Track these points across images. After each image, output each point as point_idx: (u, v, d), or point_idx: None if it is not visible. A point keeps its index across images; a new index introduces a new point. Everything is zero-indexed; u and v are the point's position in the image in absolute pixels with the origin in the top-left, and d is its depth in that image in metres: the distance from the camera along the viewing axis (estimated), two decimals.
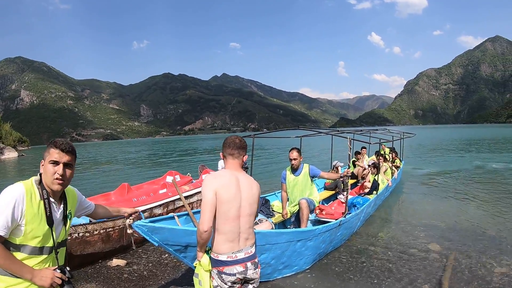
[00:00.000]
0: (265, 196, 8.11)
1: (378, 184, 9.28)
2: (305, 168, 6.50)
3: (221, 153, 2.94)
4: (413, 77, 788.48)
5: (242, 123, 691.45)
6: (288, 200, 6.76)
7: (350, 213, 6.69)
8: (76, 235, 5.52)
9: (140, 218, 3.74)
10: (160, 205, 7.52)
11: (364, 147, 13.02)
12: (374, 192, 9.02)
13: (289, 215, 6.73)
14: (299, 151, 6.46)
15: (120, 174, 22.74)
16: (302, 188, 6.51)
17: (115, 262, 6.00)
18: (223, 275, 2.65)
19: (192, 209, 8.52)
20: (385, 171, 10.93)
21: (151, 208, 7.15)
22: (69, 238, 5.37)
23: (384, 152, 13.49)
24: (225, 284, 2.65)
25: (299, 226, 6.41)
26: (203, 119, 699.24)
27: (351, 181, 10.87)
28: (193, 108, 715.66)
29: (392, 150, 14.09)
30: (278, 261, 4.97)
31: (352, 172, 11.25)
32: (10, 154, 50.05)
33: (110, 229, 6.06)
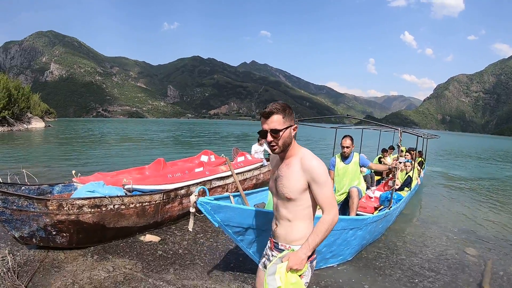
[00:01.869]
0: None
1: (411, 180, 8.93)
2: (355, 157, 6.30)
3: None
4: (444, 81, 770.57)
5: None
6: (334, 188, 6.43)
7: (385, 208, 6.60)
8: (112, 206, 5.21)
9: (205, 195, 3.47)
10: (197, 183, 7.16)
11: (393, 147, 13.08)
12: (406, 188, 8.68)
13: None
14: (352, 139, 6.16)
15: (152, 151, 22.48)
16: (352, 177, 6.30)
17: (149, 237, 5.71)
18: (314, 262, 2.42)
19: (232, 191, 8.28)
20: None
21: (188, 186, 6.77)
22: (103, 209, 5.09)
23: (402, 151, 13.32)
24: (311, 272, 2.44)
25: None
26: (229, 105, 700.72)
27: (376, 178, 10.76)
28: (220, 92, 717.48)
29: (413, 150, 13.98)
30: (328, 249, 4.79)
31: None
32: (37, 124, 50.57)
33: (146, 204, 5.74)
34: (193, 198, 3.10)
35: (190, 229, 3.19)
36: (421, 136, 7.49)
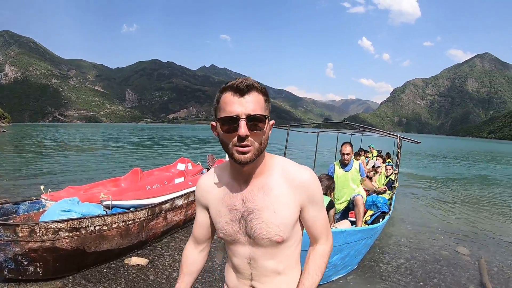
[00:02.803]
0: None
1: (394, 183, 8.50)
2: (355, 164, 6.03)
3: None
4: (400, 85, 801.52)
5: None
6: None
7: (377, 212, 6.62)
8: (92, 228, 4.51)
9: None
10: (181, 196, 6.51)
11: (368, 151, 13.25)
12: (388, 191, 8.44)
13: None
14: (352, 145, 5.88)
15: (120, 158, 20.98)
16: (353, 185, 6.05)
17: (135, 260, 5.03)
18: None
19: None
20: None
21: (173, 199, 6.14)
22: (83, 232, 4.40)
23: (372, 154, 13.81)
24: None
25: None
26: (188, 109, 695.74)
27: None
28: (179, 96, 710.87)
29: (379, 153, 14.37)
30: (342, 261, 4.57)
31: None
32: None
33: (130, 222, 5.06)
34: None
35: (219, 262, 2.56)
36: (418, 142, 7.24)
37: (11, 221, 4.88)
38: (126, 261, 5.03)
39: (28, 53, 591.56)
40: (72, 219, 4.30)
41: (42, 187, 5.75)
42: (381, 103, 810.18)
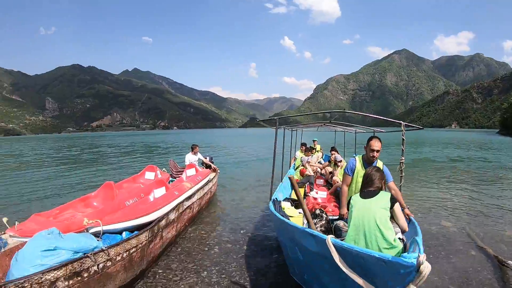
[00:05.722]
0: None
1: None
2: (379, 164, 4.89)
3: None
4: (323, 82, 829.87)
5: (152, 120, 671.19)
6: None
7: None
8: (96, 268, 3.43)
9: None
10: (173, 209, 5.60)
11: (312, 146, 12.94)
12: None
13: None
14: (381, 141, 4.83)
15: (63, 173, 17.84)
16: None
17: None
18: None
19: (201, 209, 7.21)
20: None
21: (167, 214, 5.24)
22: (85, 275, 3.32)
23: (315, 148, 13.34)
24: None
25: None
26: (112, 115, 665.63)
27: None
28: (101, 103, 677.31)
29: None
30: None
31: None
32: None
33: (133, 250, 4.07)
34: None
35: None
36: (421, 128, 6.73)
37: None
38: None
39: None
40: (71, 262, 3.21)
41: (5, 219, 4.35)
42: (305, 100, 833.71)
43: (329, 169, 10.34)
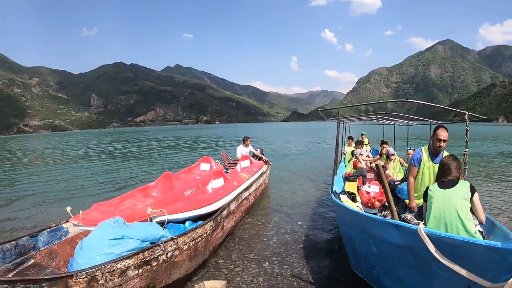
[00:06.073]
0: None
1: None
2: (446, 154, 4.43)
3: None
4: (365, 75, 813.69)
5: (195, 115, 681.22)
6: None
7: None
8: (165, 256, 3.37)
9: None
10: (234, 199, 5.61)
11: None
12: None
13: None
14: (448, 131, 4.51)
15: (115, 166, 18.36)
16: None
17: (209, 286, 3.86)
18: None
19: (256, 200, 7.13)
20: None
21: (228, 204, 5.21)
22: (154, 264, 3.25)
23: (364, 142, 12.95)
24: None
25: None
26: (155, 111, 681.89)
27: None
28: (145, 99, 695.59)
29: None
30: None
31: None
32: None
33: (198, 239, 4.02)
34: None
35: None
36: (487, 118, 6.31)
37: (32, 261, 3.66)
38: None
39: None
40: (142, 251, 3.16)
41: (68, 208, 4.38)
42: (347, 93, 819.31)
43: (380, 162, 10.07)
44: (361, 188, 7.84)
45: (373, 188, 7.77)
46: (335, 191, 5.54)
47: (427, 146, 4.73)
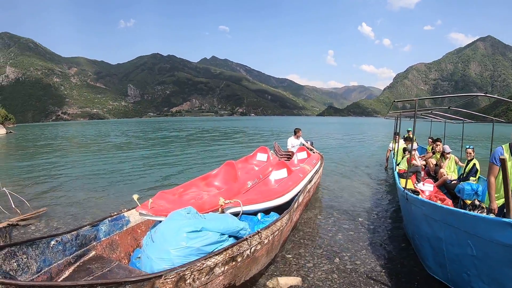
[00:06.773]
0: None
1: (477, 170, 7.61)
2: None
3: None
4: (403, 70, 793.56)
5: (230, 106, 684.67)
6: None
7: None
8: (249, 252, 3.23)
9: None
10: (302, 192, 5.49)
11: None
12: (472, 178, 7.49)
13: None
14: None
15: (164, 152, 19.18)
16: None
17: (285, 282, 3.73)
18: None
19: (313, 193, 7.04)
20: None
21: (297, 195, 5.14)
22: (239, 260, 3.11)
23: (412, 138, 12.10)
24: None
25: None
26: (191, 101, 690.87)
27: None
28: (181, 89, 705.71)
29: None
30: None
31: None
32: None
33: (276, 233, 3.84)
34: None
35: None
36: None
37: (93, 252, 3.51)
38: (270, 284, 3.77)
39: (28, 53, 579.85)
40: (231, 246, 2.99)
41: (135, 196, 4.25)
42: (384, 89, 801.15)
43: (433, 161, 9.77)
44: (416, 186, 7.63)
45: (428, 187, 7.62)
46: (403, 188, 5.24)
47: (507, 144, 4.41)
